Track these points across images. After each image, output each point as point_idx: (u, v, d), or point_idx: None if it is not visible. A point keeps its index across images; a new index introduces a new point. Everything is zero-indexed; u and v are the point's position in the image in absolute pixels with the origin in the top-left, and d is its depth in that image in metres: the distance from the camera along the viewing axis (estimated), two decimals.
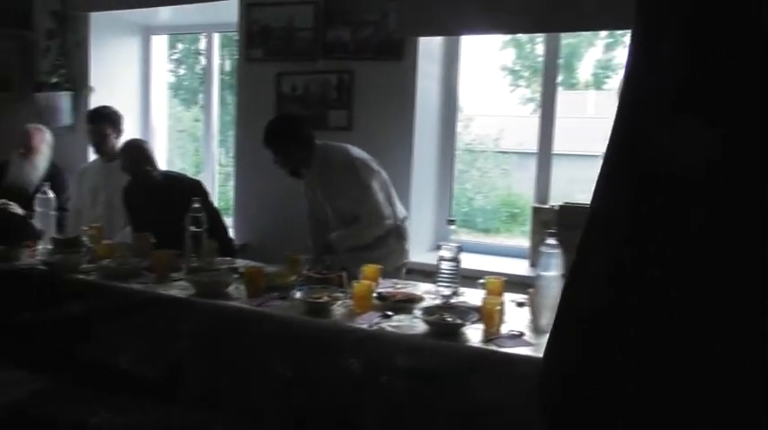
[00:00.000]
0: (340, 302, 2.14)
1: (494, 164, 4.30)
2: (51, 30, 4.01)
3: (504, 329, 1.89)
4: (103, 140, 3.53)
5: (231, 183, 4.22)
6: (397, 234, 2.85)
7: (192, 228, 2.58)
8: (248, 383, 2.05)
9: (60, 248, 2.82)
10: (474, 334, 1.88)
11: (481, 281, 2.24)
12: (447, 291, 2.18)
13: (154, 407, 2.09)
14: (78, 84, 4.05)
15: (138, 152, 3.15)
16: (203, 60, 4.65)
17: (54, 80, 3.99)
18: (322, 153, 2.81)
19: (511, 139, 4.26)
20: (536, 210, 3.06)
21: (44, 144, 3.67)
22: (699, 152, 0.64)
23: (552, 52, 3.15)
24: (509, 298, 2.11)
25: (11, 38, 4.14)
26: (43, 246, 2.89)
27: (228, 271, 2.55)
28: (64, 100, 4.01)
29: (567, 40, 3.27)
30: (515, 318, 2.04)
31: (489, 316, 1.87)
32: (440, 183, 3.45)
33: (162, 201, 3.05)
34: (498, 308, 1.87)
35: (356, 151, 2.82)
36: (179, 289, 2.34)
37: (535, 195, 3.20)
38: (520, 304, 2.15)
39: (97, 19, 4.01)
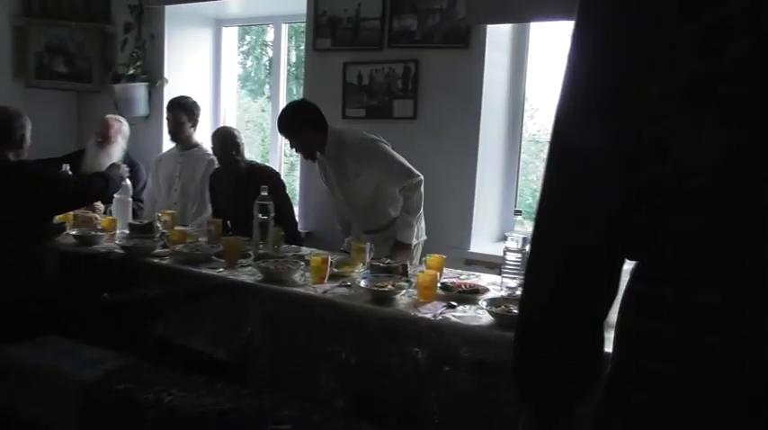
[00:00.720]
0: (404, 292, 2.14)
1: None
2: (128, 23, 4.17)
3: None
4: (179, 129, 3.67)
5: (296, 172, 4.30)
6: None
7: (260, 216, 2.64)
8: (314, 368, 2.09)
9: (136, 233, 2.95)
10: None
11: None
12: (513, 283, 2.15)
13: (225, 389, 2.15)
14: (153, 75, 4.20)
15: (228, 138, 3.30)
16: (270, 52, 4.74)
17: (130, 72, 4.15)
18: (335, 137, 2.92)
19: None
20: None
21: (120, 135, 3.82)
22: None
23: None
24: None
25: (91, 31, 4.33)
26: (120, 231, 3.03)
27: (294, 258, 2.60)
28: (139, 91, 4.17)
29: None
30: None
31: None
32: (505, 174, 3.39)
33: (243, 188, 3.16)
34: None
35: (365, 132, 2.95)
36: (248, 274, 2.40)
37: None
38: None
39: (171, 12, 4.14)
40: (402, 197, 2.92)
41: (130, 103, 4.16)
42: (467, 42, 3.10)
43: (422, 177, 2.88)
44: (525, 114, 3.45)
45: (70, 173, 3.11)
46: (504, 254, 2.19)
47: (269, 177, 3.22)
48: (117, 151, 3.80)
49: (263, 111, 4.93)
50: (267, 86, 4.86)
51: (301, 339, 2.14)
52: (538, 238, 0.82)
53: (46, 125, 4.04)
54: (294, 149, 3.03)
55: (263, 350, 2.21)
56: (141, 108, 4.20)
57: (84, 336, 2.53)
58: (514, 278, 2.15)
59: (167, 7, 4.12)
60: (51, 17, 4.27)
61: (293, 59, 4.47)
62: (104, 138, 3.76)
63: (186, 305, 2.43)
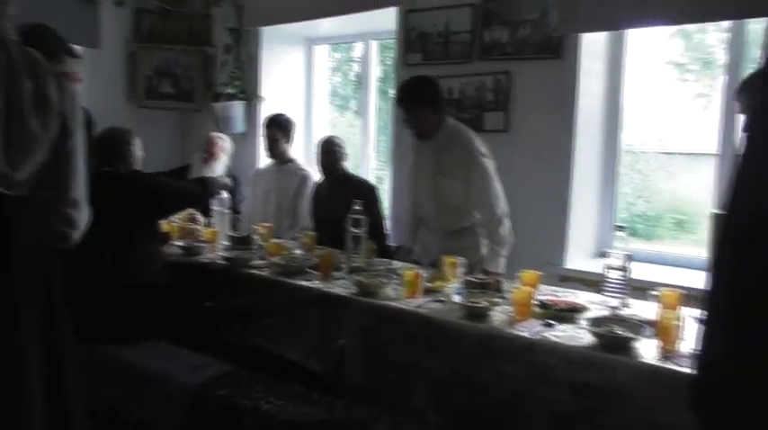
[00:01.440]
0: (499, 308, 2.11)
1: (657, 166, 4.01)
2: (228, 45, 4.39)
3: (684, 347, 1.75)
4: (275, 145, 3.81)
5: (383, 186, 4.34)
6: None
7: (353, 229, 2.69)
8: (408, 382, 2.09)
9: (235, 245, 3.07)
10: (647, 349, 1.75)
11: (653, 292, 2.09)
12: (615, 302, 2.06)
13: (321, 399, 2.19)
14: (250, 94, 4.39)
15: (334, 146, 3.44)
16: (356, 67, 4.84)
17: (229, 91, 4.36)
18: (452, 129, 2.85)
19: (677, 139, 3.94)
20: (717, 217, 2.78)
21: (223, 151, 4.01)
22: None
23: (735, 42, 2.85)
24: (687, 313, 1.95)
25: (194, 54, 4.59)
26: (221, 243, 3.17)
27: (387, 272, 2.62)
28: (237, 109, 4.36)
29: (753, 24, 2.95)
30: (695, 335, 1.87)
31: (666, 331, 1.73)
32: (602, 187, 3.28)
33: (342, 200, 3.25)
34: (676, 323, 1.73)
35: (481, 142, 2.85)
36: (341, 287, 2.44)
37: (715, 200, 2.93)
38: (701, 320, 1.97)
39: (267, 33, 4.32)
40: (487, 230, 2.83)
41: (229, 120, 4.36)
42: (559, 52, 3.03)
43: (506, 211, 2.79)
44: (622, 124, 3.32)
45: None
46: (605, 271, 2.11)
47: (366, 190, 3.29)
48: (220, 167, 3.98)
49: (350, 126, 5.03)
50: (354, 101, 4.95)
51: (394, 353, 2.15)
52: None
53: (154, 142, 4.30)
54: (407, 125, 2.92)
55: (356, 362, 2.24)
56: (239, 125, 4.39)
57: (187, 342, 2.65)
58: (616, 297, 2.06)
59: (263, 29, 4.30)
60: (159, 42, 4.56)
61: (379, 74, 4.53)
62: (209, 155, 3.95)
63: (282, 315, 2.50)
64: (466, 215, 2.87)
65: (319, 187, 3.65)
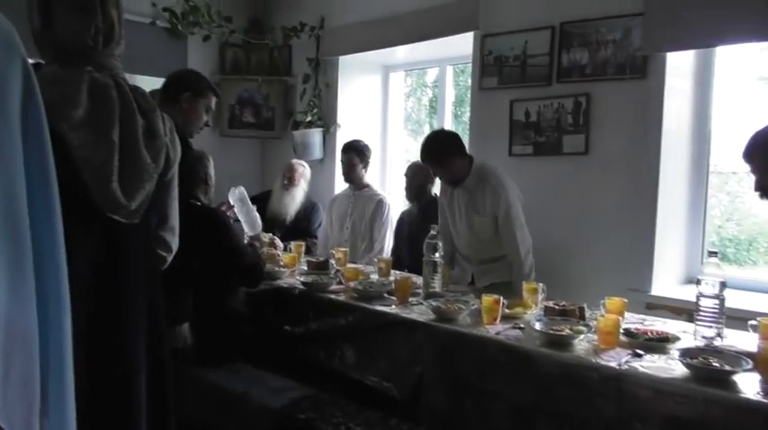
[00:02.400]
0: (582, 336, 2.04)
1: (748, 187, 3.78)
2: (307, 74, 4.52)
3: None
4: (352, 170, 3.88)
5: None
6: None
7: (430, 255, 2.68)
8: (488, 410, 2.05)
9: (313, 270, 3.13)
10: (748, 384, 1.64)
11: (752, 322, 1.97)
12: (709, 332, 1.95)
13: (399, 425, 2.18)
14: (328, 121, 4.50)
15: (423, 170, 3.46)
16: (429, 92, 4.87)
17: (308, 119, 4.49)
18: (481, 170, 2.98)
19: None
20: None
21: (303, 178, 4.12)
22: None
23: None
24: None
25: (274, 84, 4.77)
26: (299, 268, 3.23)
27: (464, 298, 2.59)
28: (315, 136, 4.48)
29: None
30: None
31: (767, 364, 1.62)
32: (690, 210, 3.13)
33: (421, 224, 3.29)
34: None
35: (509, 181, 2.98)
36: (418, 313, 2.44)
37: None
38: None
39: (344, 61, 4.43)
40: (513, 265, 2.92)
41: (307, 147, 4.48)
42: (644, 72, 2.94)
43: (529, 247, 2.90)
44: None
45: (257, 214, 3.40)
46: (698, 299, 2.00)
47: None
48: (300, 193, 4.09)
49: None
50: (427, 126, 4.97)
51: (473, 379, 2.11)
52: None
53: (235, 169, 4.48)
54: (438, 177, 3.14)
55: (434, 388, 2.21)
56: (316, 152, 4.50)
57: (268, 365, 2.71)
58: (711, 327, 1.95)
59: (341, 57, 4.41)
60: (242, 73, 4.77)
61: (453, 98, 4.54)
62: (290, 181, 4.07)
63: (360, 340, 2.52)
64: (498, 246, 2.97)
65: (407, 213, 3.71)
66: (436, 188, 3.57)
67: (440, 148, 2.97)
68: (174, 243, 1.61)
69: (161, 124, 1.48)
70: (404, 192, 3.71)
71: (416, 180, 3.59)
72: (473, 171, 2.97)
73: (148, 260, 1.50)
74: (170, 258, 1.61)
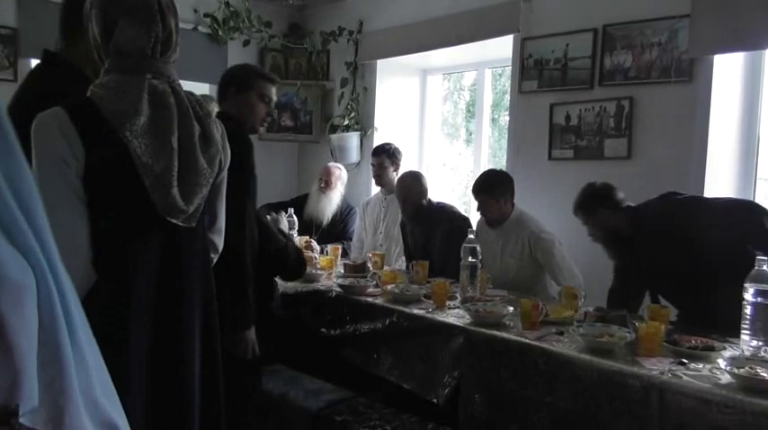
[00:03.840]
0: (623, 343, 2.00)
1: None
2: (344, 78, 4.56)
3: None
4: (383, 173, 3.87)
5: None
6: None
7: (469, 259, 2.67)
8: (527, 416, 2.02)
9: (350, 273, 3.14)
10: None
11: None
12: (756, 342, 1.89)
13: None
14: (365, 124, 4.52)
15: (409, 184, 3.40)
16: (466, 95, 4.85)
17: (345, 123, 4.51)
18: (519, 217, 3.09)
19: None
20: None
21: (340, 181, 4.14)
22: None
23: None
24: None
25: (312, 88, 4.82)
26: (336, 271, 3.25)
27: (502, 302, 2.57)
28: (353, 140, 4.50)
29: None
30: None
31: None
32: None
33: (431, 232, 3.28)
34: None
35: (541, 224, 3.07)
36: (455, 317, 2.42)
37: None
38: None
39: (382, 65, 4.45)
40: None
41: (344, 150, 4.50)
42: (690, 75, 2.88)
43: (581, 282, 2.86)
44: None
45: (294, 217, 3.44)
46: (744, 308, 1.94)
47: (460, 221, 3.28)
48: (336, 196, 4.11)
49: (459, 154, 5.02)
50: (463, 129, 4.95)
51: (512, 385, 2.09)
52: None
53: (273, 173, 4.54)
54: (480, 211, 3.16)
55: (472, 393, 2.20)
56: (354, 155, 4.52)
57: (305, 367, 2.73)
58: (757, 336, 1.90)
59: (379, 61, 4.43)
60: (281, 78, 4.82)
61: (490, 102, 4.52)
62: (327, 184, 4.09)
63: (397, 344, 2.52)
64: (520, 287, 2.98)
65: (405, 221, 3.60)
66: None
67: (491, 186, 3.07)
68: (221, 244, 1.65)
69: (215, 130, 1.51)
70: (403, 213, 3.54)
71: (410, 201, 3.40)
72: (513, 216, 3.09)
73: (204, 262, 1.54)
74: (215, 259, 1.65)
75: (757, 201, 3.05)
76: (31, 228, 0.61)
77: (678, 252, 2.34)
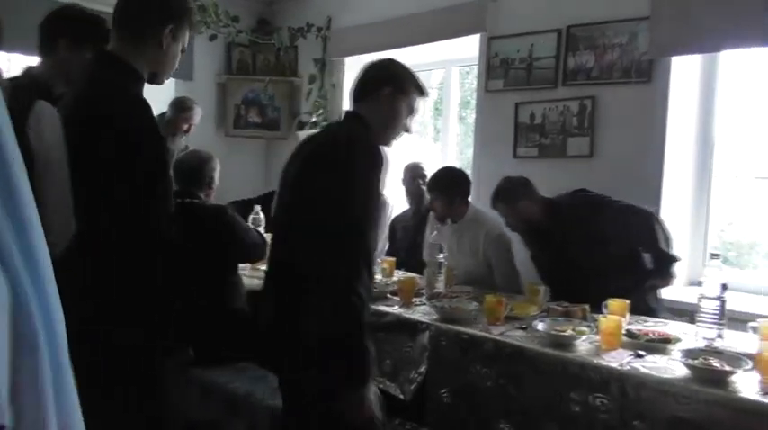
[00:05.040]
0: (585, 337, 2.05)
1: (750, 191, 3.80)
2: (312, 75, 4.55)
3: None
4: None
5: None
6: None
7: (436, 256, 2.70)
8: (491, 411, 2.06)
9: None
10: (747, 384, 1.66)
11: (752, 324, 1.98)
12: (710, 334, 1.97)
13: (402, 426, 2.21)
14: (333, 121, 4.51)
15: (423, 175, 3.52)
16: (434, 94, 4.88)
17: (313, 119, 4.51)
18: (474, 215, 3.09)
19: None
20: None
21: None
22: None
23: None
24: None
25: (280, 85, 4.79)
26: None
27: (468, 298, 2.61)
28: None
29: None
30: None
31: (767, 365, 1.64)
32: (693, 214, 3.14)
33: (421, 231, 3.35)
34: None
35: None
36: (422, 313, 2.45)
37: None
38: None
39: (351, 62, 4.45)
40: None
41: None
42: (649, 76, 2.96)
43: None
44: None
45: (261, 214, 3.43)
46: (699, 301, 2.01)
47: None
48: None
49: (426, 151, 5.05)
50: (431, 127, 4.99)
51: (477, 380, 2.13)
52: None
53: (240, 169, 4.51)
54: (433, 208, 3.15)
55: (438, 389, 2.23)
56: None
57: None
58: (712, 328, 1.97)
59: (347, 58, 4.43)
60: (248, 74, 4.79)
61: (458, 100, 4.56)
62: None
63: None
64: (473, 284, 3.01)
65: (402, 215, 3.70)
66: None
67: (447, 183, 3.06)
68: None
69: None
70: (406, 198, 3.69)
71: (415, 183, 3.59)
72: (469, 214, 3.09)
73: None
74: None
75: (713, 197, 3.16)
76: (20, 245, 0.59)
77: (584, 242, 2.56)
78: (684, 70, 2.99)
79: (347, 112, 1.88)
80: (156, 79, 1.71)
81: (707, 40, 2.76)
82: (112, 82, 1.59)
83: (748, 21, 2.63)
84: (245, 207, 3.65)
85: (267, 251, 2.96)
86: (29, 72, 1.94)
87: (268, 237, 3.45)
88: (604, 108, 3.13)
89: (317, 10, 4.53)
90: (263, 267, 3.07)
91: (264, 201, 3.94)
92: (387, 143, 1.86)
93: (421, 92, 1.85)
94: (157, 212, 1.55)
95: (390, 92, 1.79)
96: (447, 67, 4.37)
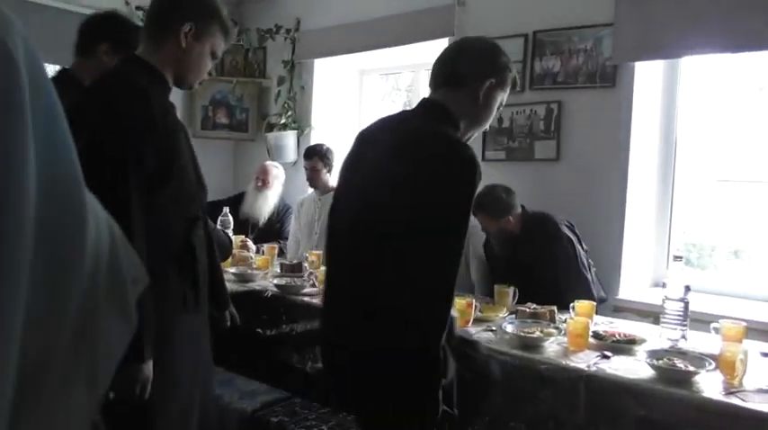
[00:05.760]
0: (553, 339, 2.08)
1: (711, 194, 3.90)
2: (281, 77, 4.51)
3: (748, 382, 1.69)
4: (316, 175, 3.86)
5: None
6: None
7: None
8: (463, 414, 2.07)
9: (286, 272, 3.12)
10: (710, 384, 1.70)
11: (714, 325, 2.03)
12: (674, 334, 2.01)
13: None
14: (302, 123, 4.49)
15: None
16: (404, 96, 4.90)
17: (282, 121, 4.47)
18: None
19: (733, 167, 3.83)
20: None
21: (277, 180, 4.10)
22: None
23: None
24: (751, 346, 1.89)
25: (249, 86, 4.75)
26: (272, 270, 3.23)
27: None
28: (289, 139, 4.47)
29: None
30: (761, 370, 1.81)
31: (729, 365, 1.68)
32: (657, 216, 3.21)
33: None
34: (741, 357, 1.68)
35: None
36: None
37: None
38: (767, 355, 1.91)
39: (320, 65, 4.43)
40: None
41: (281, 149, 4.46)
42: (614, 81, 3.01)
43: None
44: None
45: (229, 216, 3.39)
46: (663, 302, 2.06)
47: None
48: (274, 195, 4.07)
49: None
50: None
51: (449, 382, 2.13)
52: None
53: (208, 171, 4.41)
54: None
55: None
56: (290, 154, 4.48)
57: (240, 368, 2.69)
58: (676, 329, 2.01)
59: (316, 60, 4.42)
60: (216, 74, 4.73)
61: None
62: (263, 183, 4.05)
63: None
64: None
65: None
66: None
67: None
68: None
69: None
70: None
71: None
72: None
73: None
74: None
75: (675, 199, 3.23)
76: None
77: (539, 252, 2.69)
78: (648, 75, 3.06)
79: (428, 101, 1.64)
80: (182, 83, 1.67)
81: (669, 46, 2.82)
82: (127, 77, 1.58)
83: (707, 28, 2.70)
84: (213, 208, 3.60)
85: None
86: (64, 71, 2.00)
87: (236, 239, 3.45)
88: (570, 112, 3.18)
89: (285, 11, 4.50)
90: (232, 269, 3.08)
91: (233, 202, 3.90)
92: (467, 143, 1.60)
93: (513, 86, 1.67)
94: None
95: (491, 85, 1.57)
96: (416, 69, 4.39)
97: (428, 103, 1.63)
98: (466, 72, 1.58)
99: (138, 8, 4.15)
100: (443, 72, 1.62)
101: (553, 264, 2.66)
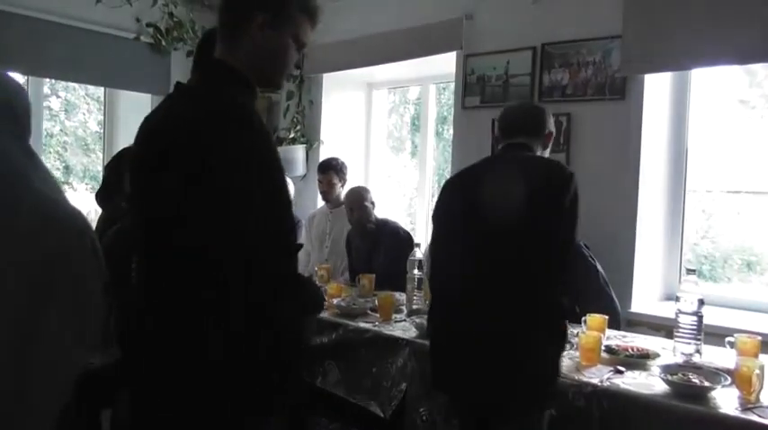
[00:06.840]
0: (564, 353, 2.05)
1: (723, 205, 3.87)
2: (290, 91, 4.53)
3: (765, 398, 1.66)
4: (331, 189, 3.86)
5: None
6: None
7: (415, 272, 2.69)
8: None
9: None
10: (726, 400, 1.67)
11: (729, 339, 2.00)
12: (688, 349, 1.98)
13: None
14: (311, 137, 4.51)
15: (356, 199, 3.45)
16: (411, 109, 4.91)
17: (291, 135, 4.49)
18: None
19: (744, 178, 3.80)
20: None
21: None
22: None
23: None
24: (767, 361, 1.85)
25: (259, 100, 4.74)
26: None
27: None
28: (298, 152, 4.48)
29: None
30: None
31: (745, 380, 1.65)
32: (668, 229, 3.18)
33: (375, 247, 3.32)
34: (757, 372, 1.65)
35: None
36: (401, 330, 2.44)
37: None
38: None
39: (328, 79, 4.45)
40: None
41: (290, 163, 4.46)
42: (623, 93, 3.01)
43: None
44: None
45: None
46: (677, 316, 2.03)
47: (403, 237, 3.35)
48: None
49: (404, 166, 5.08)
50: (409, 142, 5.01)
51: None
52: None
53: None
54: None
55: (418, 406, 2.21)
56: (299, 168, 4.50)
57: None
58: (690, 343, 1.99)
59: (324, 75, 4.44)
60: None
61: (435, 116, 4.59)
62: None
63: (343, 358, 2.51)
64: None
65: (351, 235, 3.64)
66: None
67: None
68: None
69: None
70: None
71: (347, 208, 3.52)
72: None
73: None
74: None
75: (686, 211, 3.21)
76: None
77: None
78: (657, 87, 3.04)
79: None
80: (268, 82, 1.50)
81: (678, 58, 2.81)
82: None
83: (716, 40, 2.69)
84: None
85: None
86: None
87: None
88: (580, 124, 3.17)
89: None
90: None
91: None
92: None
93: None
94: None
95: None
96: (424, 83, 4.40)
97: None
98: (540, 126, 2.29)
99: (149, 25, 4.20)
100: (521, 121, 2.25)
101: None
